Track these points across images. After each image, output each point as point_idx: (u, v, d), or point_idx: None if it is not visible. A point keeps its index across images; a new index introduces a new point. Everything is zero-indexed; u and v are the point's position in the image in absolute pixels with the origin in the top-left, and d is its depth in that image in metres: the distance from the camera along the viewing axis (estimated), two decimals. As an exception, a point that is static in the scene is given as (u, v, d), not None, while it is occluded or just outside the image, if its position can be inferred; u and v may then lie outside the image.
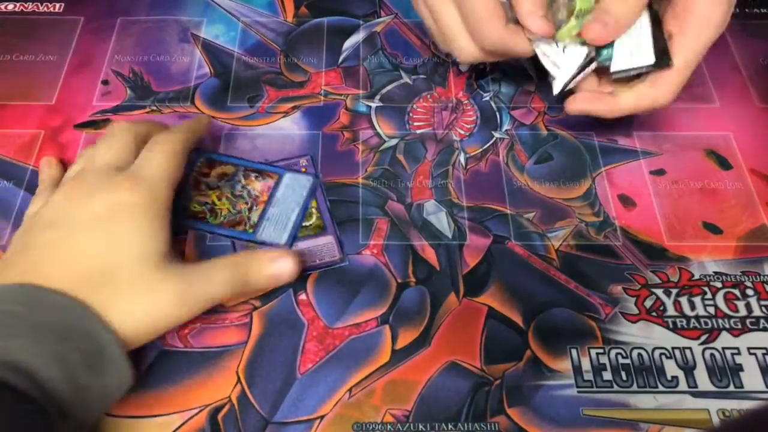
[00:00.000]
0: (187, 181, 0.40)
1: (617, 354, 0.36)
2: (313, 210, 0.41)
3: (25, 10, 0.51)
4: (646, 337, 0.37)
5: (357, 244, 0.40)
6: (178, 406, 0.34)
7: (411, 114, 0.46)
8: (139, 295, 0.31)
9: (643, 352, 0.36)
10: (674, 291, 0.38)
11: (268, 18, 0.51)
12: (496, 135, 0.45)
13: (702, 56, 0.38)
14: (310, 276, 0.38)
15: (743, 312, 0.37)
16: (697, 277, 0.39)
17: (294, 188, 0.40)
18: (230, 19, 0.51)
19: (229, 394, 0.34)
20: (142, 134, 0.37)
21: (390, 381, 0.35)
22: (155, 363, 0.35)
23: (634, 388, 0.35)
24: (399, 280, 0.38)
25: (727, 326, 0.37)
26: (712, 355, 0.36)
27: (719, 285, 0.38)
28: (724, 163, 0.44)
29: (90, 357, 0.29)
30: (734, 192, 0.42)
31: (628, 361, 0.36)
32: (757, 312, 0.37)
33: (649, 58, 0.37)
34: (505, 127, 0.45)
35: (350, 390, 0.35)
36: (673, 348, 0.36)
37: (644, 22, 0.37)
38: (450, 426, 0.34)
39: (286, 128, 0.45)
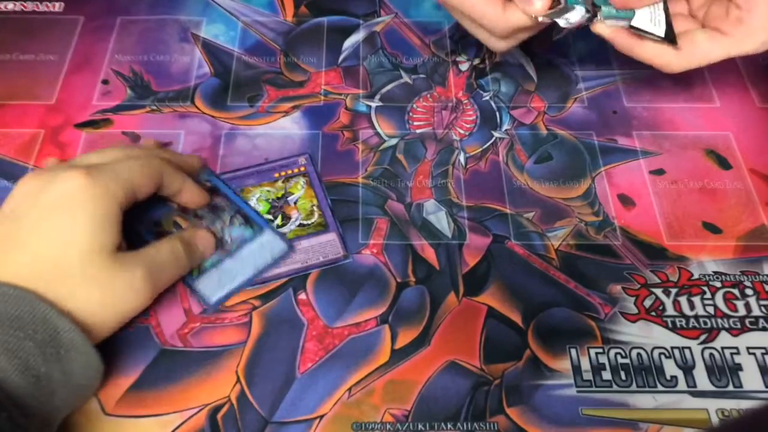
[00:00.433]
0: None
1: (616, 354, 0.36)
2: (315, 208, 0.40)
3: (25, 9, 0.51)
4: (645, 336, 0.37)
5: (357, 243, 0.40)
6: (178, 405, 0.34)
7: (411, 113, 0.46)
8: (95, 286, 0.31)
9: (643, 352, 0.36)
10: (674, 291, 0.38)
11: (267, 17, 0.51)
12: (496, 135, 0.45)
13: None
14: (309, 275, 0.38)
15: (742, 312, 0.37)
16: (696, 276, 0.39)
17: (264, 250, 0.38)
18: (230, 19, 0.51)
19: (229, 393, 0.34)
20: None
21: (389, 380, 0.35)
22: (155, 363, 0.35)
23: (634, 387, 0.35)
24: (399, 280, 0.38)
25: (727, 326, 0.37)
26: (711, 354, 0.36)
27: (718, 285, 0.38)
28: (723, 163, 0.44)
29: (46, 345, 0.29)
30: (734, 192, 0.42)
31: (627, 360, 0.36)
32: (756, 312, 0.37)
33: (661, 31, 0.38)
34: (505, 126, 0.45)
35: (350, 389, 0.35)
36: (672, 348, 0.36)
37: (660, 5, 0.38)
38: (449, 425, 0.34)
39: (286, 128, 0.45)
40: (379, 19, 0.51)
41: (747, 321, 0.37)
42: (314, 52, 0.49)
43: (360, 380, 0.35)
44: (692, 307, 0.38)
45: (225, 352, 0.36)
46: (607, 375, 0.35)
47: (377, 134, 0.45)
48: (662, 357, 0.36)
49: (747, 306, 0.38)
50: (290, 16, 0.51)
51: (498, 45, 0.40)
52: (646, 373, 0.35)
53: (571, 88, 0.47)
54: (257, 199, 0.41)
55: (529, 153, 0.44)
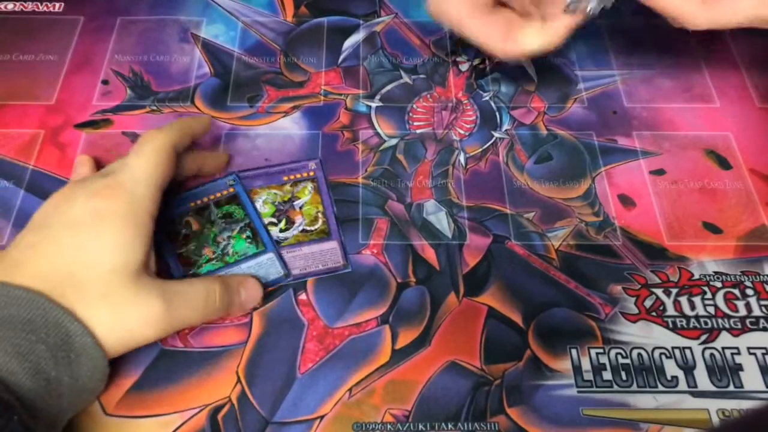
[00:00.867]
0: (199, 198, 0.40)
1: (617, 354, 0.36)
2: (319, 215, 0.40)
3: (25, 10, 0.51)
4: (645, 336, 0.37)
5: (357, 243, 0.40)
6: (178, 405, 0.34)
7: (411, 114, 0.46)
8: (110, 308, 0.30)
9: (643, 352, 0.36)
10: (674, 291, 0.38)
11: (267, 18, 0.51)
12: (496, 135, 0.45)
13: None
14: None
15: (743, 312, 0.37)
16: (696, 276, 0.39)
17: (260, 270, 0.38)
18: (230, 19, 0.51)
19: (229, 393, 0.34)
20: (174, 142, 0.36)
21: (390, 381, 0.35)
22: (155, 363, 0.35)
23: (634, 387, 0.35)
24: (399, 280, 0.38)
25: (727, 326, 0.37)
26: (711, 354, 0.36)
27: (719, 285, 0.38)
28: (723, 163, 0.44)
29: (57, 349, 0.29)
30: (734, 192, 0.42)
31: (627, 360, 0.36)
32: (756, 312, 0.37)
33: None
34: (505, 126, 0.45)
35: (350, 390, 0.35)
36: (672, 348, 0.36)
37: None
38: (450, 426, 0.34)
39: (287, 128, 0.45)
40: (379, 19, 0.51)
41: (748, 321, 0.37)
42: (314, 52, 0.49)
43: (360, 380, 0.35)
44: (693, 307, 0.38)
45: (225, 353, 0.36)
46: (607, 375, 0.35)
47: (377, 134, 0.45)
48: (663, 357, 0.36)
49: (747, 306, 0.38)
50: (290, 16, 0.51)
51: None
52: (646, 373, 0.35)
53: (571, 88, 0.48)
54: (263, 201, 0.41)
55: (529, 153, 0.44)
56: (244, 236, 0.39)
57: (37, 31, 0.50)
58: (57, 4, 0.51)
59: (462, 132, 0.45)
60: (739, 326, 0.37)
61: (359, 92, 0.47)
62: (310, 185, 0.42)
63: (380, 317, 0.37)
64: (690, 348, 0.36)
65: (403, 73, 0.48)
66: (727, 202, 0.42)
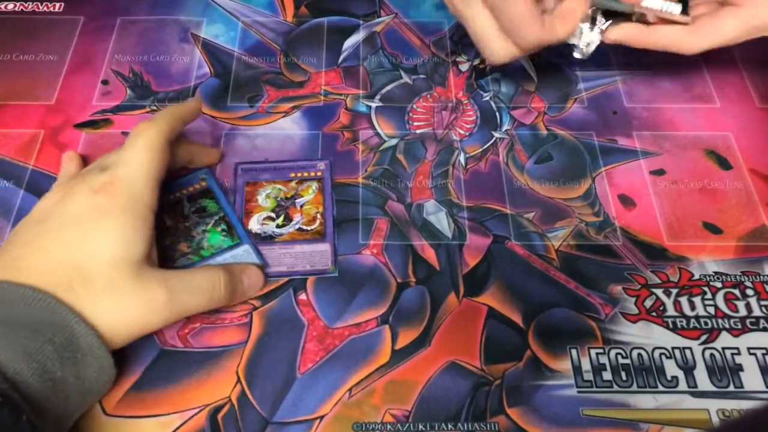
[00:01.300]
0: (171, 192, 0.40)
1: (617, 354, 0.36)
2: (318, 215, 0.40)
3: (25, 10, 0.51)
4: (646, 337, 0.37)
5: (357, 243, 0.40)
6: (178, 405, 0.34)
7: (411, 114, 0.46)
8: (114, 299, 0.31)
9: (643, 352, 0.36)
10: (674, 291, 0.38)
11: (268, 18, 0.51)
12: (496, 135, 0.45)
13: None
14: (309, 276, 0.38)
15: (743, 312, 0.37)
16: (697, 277, 0.39)
17: (238, 262, 0.38)
18: (230, 19, 0.51)
19: (229, 393, 0.34)
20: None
21: (390, 381, 0.35)
22: (155, 363, 0.35)
23: (634, 388, 0.35)
24: (399, 280, 0.38)
25: (727, 326, 0.37)
26: (712, 355, 0.36)
27: (719, 285, 0.38)
28: (724, 163, 0.44)
29: (63, 349, 0.29)
30: (734, 192, 0.42)
31: (628, 361, 0.36)
32: (757, 312, 0.37)
33: (677, 8, 0.38)
34: (505, 127, 0.45)
35: (350, 390, 0.35)
36: (673, 348, 0.36)
37: None
38: (450, 426, 0.34)
39: (287, 128, 0.45)
40: (379, 19, 0.51)
41: (748, 321, 0.37)
42: (314, 52, 0.49)
43: (360, 380, 0.35)
44: (693, 307, 0.38)
45: (225, 353, 0.36)
46: (607, 375, 0.35)
47: (377, 134, 0.45)
48: (663, 357, 0.36)
49: (748, 306, 0.38)
50: (290, 16, 0.51)
51: (498, 55, 0.39)
52: (646, 373, 0.35)
53: (571, 88, 0.48)
54: (266, 195, 0.41)
55: (530, 153, 0.44)
56: (219, 229, 0.39)
57: (37, 31, 0.50)
58: (57, 4, 0.51)
59: (462, 132, 0.45)
60: (740, 326, 0.37)
61: (359, 92, 0.47)
62: (315, 185, 0.42)
63: (380, 317, 0.37)
64: (690, 348, 0.36)
65: (403, 73, 0.48)
66: (727, 202, 0.42)
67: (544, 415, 0.34)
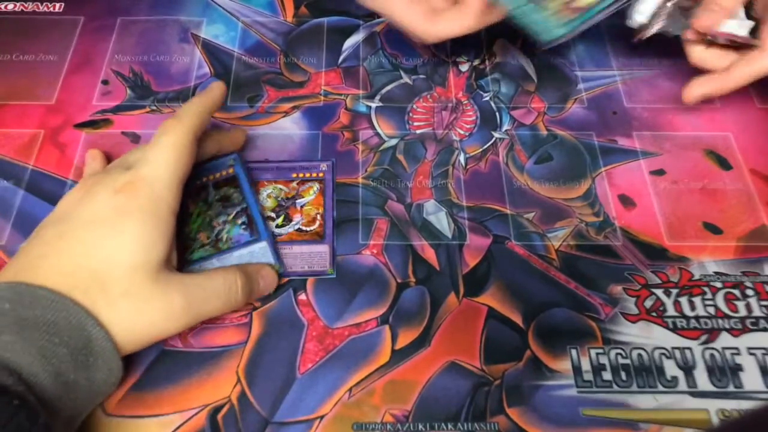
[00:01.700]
0: (198, 178, 0.39)
1: (617, 354, 0.36)
2: (318, 216, 0.40)
3: (25, 10, 0.51)
4: (646, 337, 0.37)
5: (357, 244, 0.40)
6: (178, 405, 0.34)
7: (411, 114, 0.46)
8: (132, 304, 0.30)
9: (643, 353, 0.36)
10: (674, 291, 0.38)
11: (268, 18, 0.51)
12: (496, 135, 0.45)
13: None
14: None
15: (743, 312, 0.37)
16: (697, 277, 0.39)
17: (252, 259, 0.37)
18: (230, 19, 0.51)
19: (229, 394, 0.34)
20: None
21: (390, 381, 0.35)
22: (155, 363, 0.35)
23: (634, 388, 0.35)
24: (399, 280, 0.38)
25: (727, 326, 0.37)
26: (711, 355, 0.36)
27: (719, 285, 0.38)
28: (724, 163, 0.44)
29: (78, 352, 0.29)
30: (734, 192, 0.42)
31: (627, 361, 0.36)
32: (757, 312, 0.37)
33: (745, 31, 0.40)
34: (505, 127, 0.45)
35: (350, 390, 0.35)
36: (672, 348, 0.36)
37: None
38: (450, 426, 0.34)
39: (287, 128, 0.45)
40: (380, 19, 0.51)
41: (748, 321, 0.37)
42: (314, 52, 0.49)
43: (360, 381, 0.35)
44: (693, 307, 0.38)
45: (225, 353, 0.36)
46: (607, 375, 0.35)
47: (377, 135, 0.45)
48: (663, 357, 0.36)
49: (748, 306, 0.38)
50: (290, 16, 0.51)
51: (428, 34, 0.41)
52: (646, 373, 0.35)
53: (571, 88, 0.48)
54: (267, 195, 0.41)
55: (529, 153, 0.44)
56: (239, 222, 0.38)
57: (37, 31, 0.50)
58: (57, 5, 0.51)
59: (462, 132, 0.45)
60: (740, 327, 0.37)
61: (359, 92, 0.47)
62: (316, 186, 0.42)
63: (380, 317, 0.37)
64: (690, 348, 0.36)
65: (403, 74, 0.48)
66: (727, 202, 0.42)
67: (544, 415, 0.34)
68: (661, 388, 0.35)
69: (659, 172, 0.43)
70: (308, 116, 0.45)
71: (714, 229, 0.41)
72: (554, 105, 0.46)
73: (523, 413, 0.34)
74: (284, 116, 0.45)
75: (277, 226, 0.40)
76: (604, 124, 0.46)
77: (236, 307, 0.35)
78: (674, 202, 0.42)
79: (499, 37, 0.50)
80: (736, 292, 0.38)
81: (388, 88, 0.47)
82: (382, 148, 0.44)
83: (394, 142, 0.44)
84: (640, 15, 0.41)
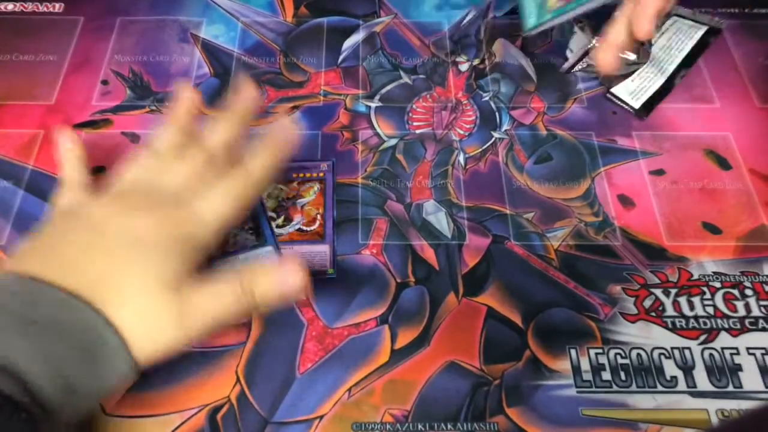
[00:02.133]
0: None
1: (616, 354, 0.36)
2: (319, 216, 0.40)
3: (25, 10, 0.51)
4: (645, 337, 0.37)
5: (356, 243, 0.40)
6: (178, 405, 0.34)
7: (410, 114, 0.46)
8: (149, 322, 0.30)
9: (642, 352, 0.36)
10: (673, 291, 0.38)
11: (267, 18, 0.51)
12: (496, 135, 0.45)
13: None
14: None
15: (742, 312, 0.37)
16: (696, 277, 0.39)
17: (258, 262, 0.36)
18: (230, 19, 0.51)
19: (229, 393, 0.34)
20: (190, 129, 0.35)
21: (389, 381, 0.35)
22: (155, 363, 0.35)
23: (633, 388, 0.35)
24: (398, 280, 0.38)
25: (726, 326, 0.37)
26: (711, 355, 0.36)
27: (718, 285, 0.38)
28: (723, 163, 0.44)
29: (86, 352, 0.28)
30: (734, 192, 0.42)
31: (627, 361, 0.36)
32: (756, 312, 0.37)
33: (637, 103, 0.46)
34: (505, 127, 0.45)
35: (349, 390, 0.35)
36: (672, 348, 0.36)
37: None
38: (449, 426, 0.34)
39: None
40: (379, 19, 0.51)
41: (747, 321, 0.37)
42: (314, 52, 0.49)
43: (360, 380, 0.35)
44: (692, 307, 0.38)
45: (225, 353, 0.36)
46: (606, 375, 0.35)
47: (377, 134, 0.45)
48: (662, 357, 0.36)
49: (747, 306, 0.38)
50: (290, 16, 0.51)
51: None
52: (645, 373, 0.35)
53: (570, 88, 0.48)
54: (267, 195, 0.41)
55: (529, 153, 0.44)
56: (246, 227, 0.39)
57: (37, 31, 0.50)
58: (57, 5, 0.51)
59: (461, 132, 0.45)
60: (739, 326, 0.37)
61: (359, 92, 0.47)
62: (317, 186, 0.42)
63: (379, 317, 0.37)
64: (689, 348, 0.36)
65: (402, 74, 0.48)
66: (726, 202, 0.42)
67: (544, 415, 0.34)
68: (660, 388, 0.35)
69: (659, 172, 0.43)
70: (308, 116, 0.45)
71: (713, 229, 0.41)
72: (554, 105, 0.46)
73: (522, 413, 0.34)
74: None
75: (278, 226, 0.40)
76: (604, 124, 0.46)
77: (242, 310, 0.32)
78: (674, 202, 0.42)
79: (499, 37, 0.50)
80: (735, 292, 0.38)
81: (388, 88, 0.47)
82: (381, 148, 0.44)
83: (393, 142, 0.44)
84: (569, 52, 0.46)
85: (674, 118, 0.46)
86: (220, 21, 0.51)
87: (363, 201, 0.41)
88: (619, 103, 0.46)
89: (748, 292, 0.38)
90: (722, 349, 0.36)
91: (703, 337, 0.37)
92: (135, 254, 0.30)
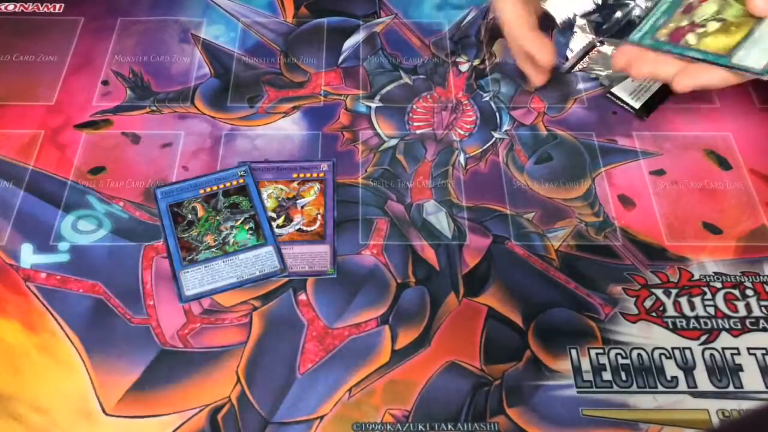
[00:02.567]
0: (209, 185, 0.41)
1: (617, 354, 0.36)
2: (319, 217, 0.40)
3: (25, 10, 0.51)
4: (645, 337, 0.36)
5: (357, 244, 0.40)
6: (178, 406, 0.34)
7: (411, 114, 0.46)
8: None
9: (643, 353, 0.36)
10: (674, 291, 0.38)
11: (268, 18, 0.51)
12: (496, 135, 0.45)
13: None
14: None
15: (743, 312, 0.37)
16: (696, 277, 0.39)
17: (257, 263, 0.38)
18: (230, 20, 0.51)
19: (229, 394, 0.34)
20: None
21: (390, 381, 0.35)
22: (155, 363, 0.35)
23: (634, 388, 0.35)
24: (399, 280, 0.38)
25: (727, 326, 0.37)
26: (711, 355, 0.36)
27: (719, 285, 0.38)
28: (723, 163, 0.44)
29: None
30: (734, 192, 0.42)
31: (627, 361, 0.36)
32: (756, 312, 0.37)
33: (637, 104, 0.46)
34: (505, 127, 0.45)
35: (350, 390, 0.35)
36: (672, 348, 0.36)
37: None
38: (450, 426, 0.34)
39: (286, 128, 0.45)
40: (379, 20, 0.51)
41: (747, 322, 0.37)
42: (314, 53, 0.49)
43: (360, 381, 0.35)
44: (693, 307, 0.38)
45: (225, 353, 0.36)
46: (607, 375, 0.35)
47: (377, 135, 0.45)
48: (663, 357, 0.36)
49: (747, 307, 0.38)
50: (290, 17, 0.51)
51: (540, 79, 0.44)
52: (646, 373, 0.35)
53: (571, 88, 0.47)
54: (268, 195, 0.41)
55: (529, 153, 0.44)
56: (246, 227, 0.39)
57: (37, 31, 0.50)
58: (57, 5, 0.51)
59: (462, 132, 0.45)
60: (739, 327, 0.37)
61: (359, 93, 0.47)
62: (317, 186, 0.42)
63: (380, 317, 0.37)
64: (690, 348, 0.36)
65: (403, 74, 0.48)
66: (727, 202, 0.42)
67: (544, 415, 0.34)
68: (661, 388, 0.35)
69: (659, 172, 0.43)
70: (308, 116, 0.45)
71: (714, 229, 0.41)
72: (554, 105, 0.46)
73: (523, 413, 0.34)
74: (284, 116, 0.45)
75: (278, 227, 0.40)
76: (604, 124, 0.46)
77: None
78: (674, 202, 0.42)
79: (499, 38, 0.50)
80: (736, 292, 0.38)
81: (388, 88, 0.47)
82: (382, 148, 0.44)
83: (394, 142, 0.44)
84: (569, 51, 0.45)
85: (674, 118, 0.46)
86: (221, 21, 0.51)
87: (363, 201, 0.41)
88: (619, 103, 0.46)
89: (749, 292, 0.38)
90: (723, 349, 0.36)
91: (703, 338, 0.37)
92: None
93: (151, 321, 0.36)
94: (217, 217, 0.39)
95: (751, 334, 0.37)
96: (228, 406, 0.34)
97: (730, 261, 0.39)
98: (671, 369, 0.35)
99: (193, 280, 0.37)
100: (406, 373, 0.35)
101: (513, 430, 0.33)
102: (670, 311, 0.37)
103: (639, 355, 0.36)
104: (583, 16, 0.44)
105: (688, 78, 0.36)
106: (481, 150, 0.44)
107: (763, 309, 0.38)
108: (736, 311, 0.37)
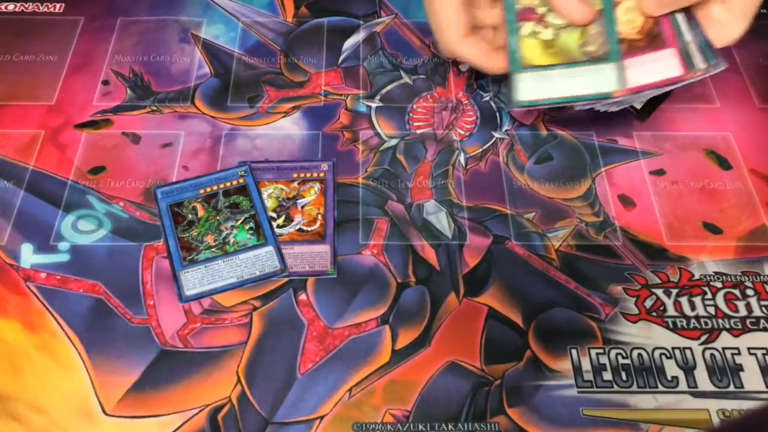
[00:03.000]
0: (209, 185, 0.41)
1: (617, 354, 0.36)
2: (319, 216, 0.40)
3: (25, 10, 0.51)
4: (646, 337, 0.37)
5: (357, 244, 0.40)
6: (178, 406, 0.34)
7: (411, 114, 0.46)
8: None
9: (643, 352, 0.36)
10: (674, 291, 0.38)
11: (268, 18, 0.51)
12: (496, 135, 0.45)
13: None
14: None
15: (743, 312, 0.37)
16: (697, 277, 0.39)
17: (257, 263, 0.38)
18: (230, 20, 0.51)
19: (229, 394, 0.34)
20: None
21: (390, 381, 0.35)
22: (155, 363, 0.35)
23: (634, 388, 0.35)
24: (399, 280, 0.38)
25: (727, 326, 0.37)
26: (712, 355, 0.36)
27: (719, 285, 0.38)
28: (724, 163, 0.44)
29: None
30: (734, 192, 0.42)
31: (628, 361, 0.36)
32: (757, 312, 0.37)
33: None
34: (505, 127, 0.45)
35: (350, 390, 0.35)
36: (673, 348, 0.36)
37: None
38: (450, 426, 0.34)
39: (287, 128, 0.45)
40: (380, 19, 0.51)
41: (748, 321, 0.37)
42: (314, 52, 0.49)
43: (360, 381, 0.35)
44: (693, 307, 0.38)
45: (225, 353, 0.36)
46: (607, 375, 0.35)
47: (377, 135, 0.45)
48: (663, 357, 0.36)
49: (748, 306, 0.38)
50: (290, 16, 0.51)
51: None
52: (646, 373, 0.35)
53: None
54: (268, 195, 0.41)
55: (529, 153, 0.44)
56: (247, 227, 0.39)
57: (37, 31, 0.50)
58: (57, 5, 0.51)
59: (462, 132, 0.45)
60: (740, 326, 0.37)
61: (359, 92, 0.47)
62: (317, 186, 0.42)
63: (380, 317, 0.37)
64: (690, 348, 0.36)
65: (403, 74, 0.48)
66: (727, 202, 0.42)
67: (545, 415, 0.34)
68: (661, 388, 0.35)
69: (659, 172, 0.43)
70: (308, 116, 0.45)
71: (714, 229, 0.41)
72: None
73: (523, 413, 0.34)
74: (284, 116, 0.45)
75: (278, 226, 0.40)
76: (604, 124, 0.46)
77: None
78: (674, 202, 0.42)
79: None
80: (736, 291, 0.38)
81: (388, 88, 0.47)
82: (382, 148, 0.44)
83: (394, 142, 0.44)
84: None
85: (674, 118, 0.46)
86: (221, 21, 0.51)
87: (364, 201, 0.41)
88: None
89: (749, 292, 0.38)
90: (723, 349, 0.36)
91: (704, 337, 0.37)
92: None
93: (152, 321, 0.36)
94: (218, 217, 0.39)
95: (751, 333, 0.37)
96: (228, 407, 0.34)
97: (731, 261, 0.39)
98: (672, 369, 0.35)
99: (194, 280, 0.37)
100: (407, 373, 0.35)
101: (513, 430, 0.33)
102: (671, 311, 0.37)
103: (639, 355, 0.36)
104: None
105: None
106: (481, 150, 0.44)
107: (764, 309, 0.38)
108: (737, 311, 0.37)
